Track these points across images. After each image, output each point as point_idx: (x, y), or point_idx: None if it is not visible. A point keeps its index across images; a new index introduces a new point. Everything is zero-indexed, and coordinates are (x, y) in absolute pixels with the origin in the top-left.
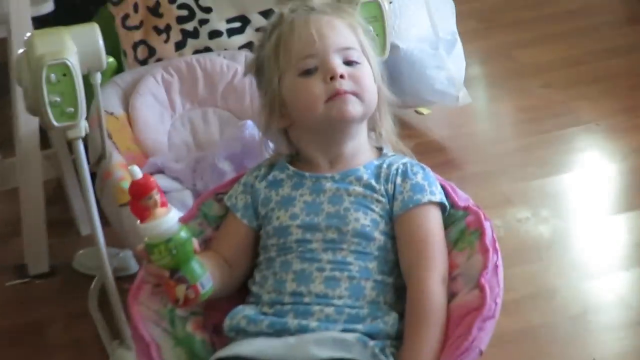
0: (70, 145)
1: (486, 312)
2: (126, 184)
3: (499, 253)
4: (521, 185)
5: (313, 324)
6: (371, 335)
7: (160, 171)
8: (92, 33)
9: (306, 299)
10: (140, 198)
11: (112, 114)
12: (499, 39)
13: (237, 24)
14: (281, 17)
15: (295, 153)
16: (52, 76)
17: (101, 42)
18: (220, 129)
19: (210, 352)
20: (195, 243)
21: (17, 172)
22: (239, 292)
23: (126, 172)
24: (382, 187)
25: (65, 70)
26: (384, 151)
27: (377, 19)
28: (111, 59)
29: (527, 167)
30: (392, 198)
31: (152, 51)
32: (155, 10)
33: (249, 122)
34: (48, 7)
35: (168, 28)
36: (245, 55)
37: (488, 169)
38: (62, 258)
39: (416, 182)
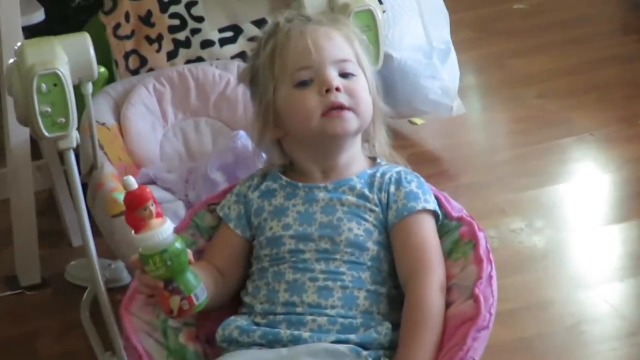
0: (61, 155)
1: (480, 322)
2: (117, 195)
3: (493, 264)
4: (515, 195)
5: (306, 334)
6: (364, 346)
7: (152, 182)
8: (83, 42)
9: (299, 309)
10: (135, 209)
11: (103, 124)
12: (493, 49)
13: (229, 34)
14: (277, 26)
15: (289, 163)
16: (43, 86)
17: (92, 51)
18: (213, 139)
19: None
20: (190, 254)
21: (8, 183)
22: (232, 302)
23: (118, 182)
24: (376, 196)
25: (56, 80)
26: (378, 160)
27: (371, 28)
28: (102, 69)
29: (521, 178)
30: (386, 207)
31: (143, 61)
32: (146, 20)
33: (242, 133)
34: (39, 16)
35: (160, 37)
36: (237, 65)
37: (482, 179)
38: (54, 269)
39: (410, 190)
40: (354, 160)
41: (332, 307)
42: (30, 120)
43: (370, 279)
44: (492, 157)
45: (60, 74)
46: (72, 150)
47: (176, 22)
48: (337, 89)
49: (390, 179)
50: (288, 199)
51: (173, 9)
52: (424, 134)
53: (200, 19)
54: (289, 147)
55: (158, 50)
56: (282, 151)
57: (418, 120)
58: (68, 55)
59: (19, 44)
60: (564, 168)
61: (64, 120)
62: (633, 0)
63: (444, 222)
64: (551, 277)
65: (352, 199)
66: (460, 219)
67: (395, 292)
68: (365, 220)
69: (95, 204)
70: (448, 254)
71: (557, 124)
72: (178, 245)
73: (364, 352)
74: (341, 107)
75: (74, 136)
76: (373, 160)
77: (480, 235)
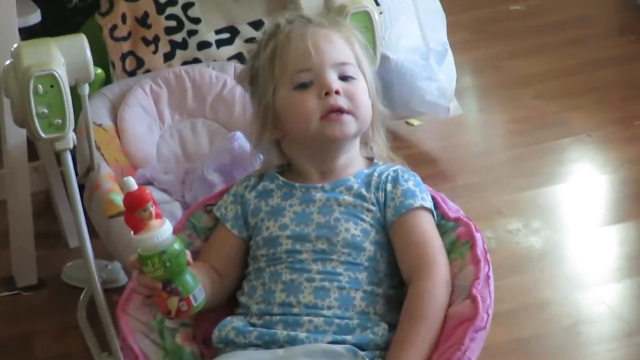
0: (58, 157)
1: (478, 322)
2: (114, 196)
3: (490, 264)
4: (512, 196)
5: (302, 335)
6: (360, 347)
7: (149, 183)
8: (79, 44)
9: (295, 310)
10: (135, 210)
11: (100, 125)
12: (490, 50)
13: (226, 35)
14: (278, 27)
15: (287, 164)
16: (40, 87)
17: (89, 53)
18: (210, 140)
19: None
20: (188, 255)
21: (5, 184)
22: (228, 303)
23: (114, 184)
24: (373, 196)
25: (52, 82)
26: (375, 160)
27: (368, 30)
28: (99, 70)
29: (518, 179)
30: (383, 206)
31: (140, 62)
32: (143, 21)
33: (238, 134)
34: (35, 18)
35: (156, 39)
36: (234, 66)
37: (479, 180)
38: (51, 270)
39: (407, 188)
40: (352, 162)
41: (329, 307)
42: (26, 121)
43: (367, 279)
44: (489, 158)
45: (56, 75)
46: (68, 152)
47: (173, 23)
48: (337, 92)
49: (387, 177)
50: (285, 199)
51: (170, 10)
52: (420, 135)
53: (197, 21)
54: (287, 148)
55: (155, 52)
56: (280, 152)
57: (415, 122)
58: (65, 56)
59: (15, 45)
60: (561, 169)
61: (60, 121)
62: (630, 1)
63: (441, 223)
64: (548, 277)
65: (349, 198)
66: (457, 220)
67: (391, 293)
68: (363, 220)
69: (92, 205)
70: None
71: (555, 125)
72: (177, 246)
73: (361, 352)
74: (340, 111)
75: (71, 137)
76: (370, 160)
77: (478, 236)
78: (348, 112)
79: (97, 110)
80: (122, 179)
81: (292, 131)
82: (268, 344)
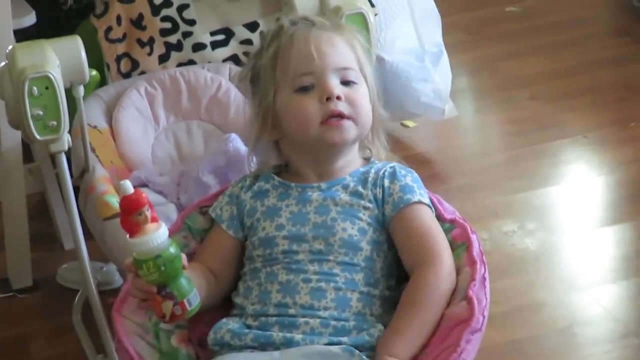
0: (53, 158)
1: (474, 324)
2: (109, 198)
3: (486, 266)
4: (508, 198)
5: (298, 336)
6: (357, 348)
7: (144, 185)
8: (74, 46)
9: (291, 311)
10: (130, 213)
11: (95, 127)
12: (485, 51)
13: (221, 37)
14: (281, 28)
15: (285, 164)
16: (35, 89)
17: (84, 54)
18: (205, 142)
19: None
20: (184, 259)
21: (0, 186)
22: (224, 304)
23: (109, 185)
24: (370, 192)
25: (47, 84)
26: (372, 160)
27: (363, 31)
28: (94, 72)
29: (513, 180)
30: (381, 202)
31: (135, 64)
32: (138, 23)
33: (234, 135)
34: (30, 19)
35: (151, 41)
36: (229, 68)
37: (474, 181)
38: (46, 272)
39: (405, 184)
40: (350, 164)
41: (325, 308)
42: (21, 123)
43: (363, 280)
44: (485, 160)
45: (51, 77)
46: (63, 154)
47: (168, 25)
48: (338, 98)
49: (384, 173)
50: (281, 200)
51: (165, 12)
52: (415, 137)
53: (192, 22)
54: (286, 149)
55: (150, 54)
56: (278, 152)
57: (410, 123)
58: (59, 58)
59: (10, 47)
60: (556, 170)
61: (55, 123)
62: (626, 3)
63: None
64: (543, 279)
65: (345, 197)
66: (453, 222)
67: (388, 294)
68: (360, 219)
69: (86, 207)
70: None
71: (550, 126)
72: (172, 250)
73: (357, 352)
74: (341, 116)
75: (66, 139)
76: (367, 159)
77: (473, 237)
78: (348, 118)
79: (92, 112)
80: (119, 182)
81: (291, 134)
82: (264, 346)
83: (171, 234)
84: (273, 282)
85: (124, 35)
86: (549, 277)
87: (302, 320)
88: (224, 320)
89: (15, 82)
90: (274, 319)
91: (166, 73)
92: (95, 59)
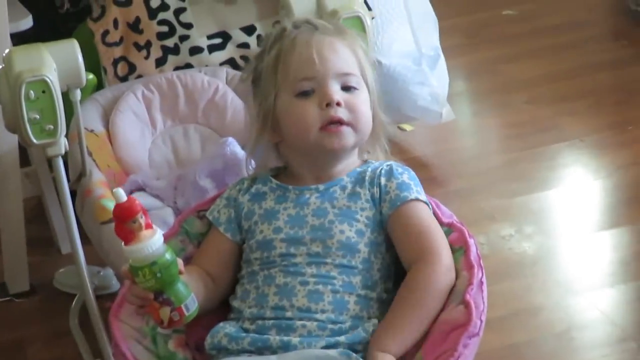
0: (50, 162)
1: (472, 329)
2: (106, 202)
3: (484, 270)
4: (505, 201)
5: (295, 340)
6: (353, 345)
7: (141, 188)
8: (71, 49)
9: (288, 314)
10: (124, 221)
11: (92, 131)
12: (483, 54)
13: (217, 40)
14: (284, 31)
15: (283, 167)
16: (31, 93)
17: (80, 58)
18: (202, 145)
19: None
20: (180, 264)
21: None
22: (222, 308)
23: (106, 189)
24: (368, 192)
25: (44, 87)
26: (369, 160)
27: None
28: (91, 76)
29: (511, 184)
30: (378, 201)
31: (132, 68)
32: (135, 27)
33: (231, 139)
34: (27, 23)
35: (148, 44)
36: (226, 72)
37: (472, 185)
38: (43, 276)
39: (402, 181)
40: (348, 165)
41: (322, 311)
42: (18, 127)
43: (361, 283)
44: (482, 163)
45: (48, 80)
46: (60, 158)
47: (165, 28)
48: (338, 104)
49: (381, 171)
50: (279, 202)
51: (162, 15)
52: (413, 141)
53: (188, 26)
54: (285, 152)
55: (147, 57)
56: (278, 154)
57: (407, 127)
58: (56, 62)
59: (6, 50)
60: (554, 174)
61: (52, 127)
62: (624, 6)
63: None
64: (541, 283)
65: (343, 199)
66: (450, 225)
67: (385, 297)
68: (357, 220)
69: (83, 211)
70: None
71: (548, 129)
72: (168, 256)
73: (354, 355)
74: (340, 122)
75: (63, 143)
76: (365, 160)
77: (471, 241)
78: (347, 124)
79: (89, 116)
80: (113, 190)
81: (290, 138)
82: (261, 349)
83: (168, 238)
84: (270, 285)
85: (121, 39)
86: (546, 281)
87: (299, 323)
88: (221, 324)
89: (12, 85)
90: (271, 322)
91: (163, 77)
92: (92, 63)
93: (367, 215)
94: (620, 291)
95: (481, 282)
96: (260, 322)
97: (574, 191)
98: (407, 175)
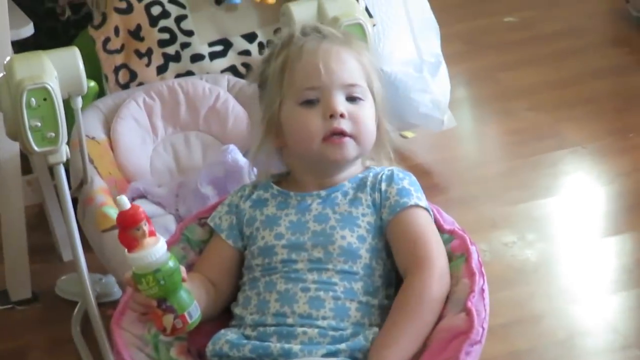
0: (51, 170)
1: (473, 336)
2: (108, 209)
3: (485, 277)
4: (507, 209)
5: (296, 347)
6: (354, 353)
7: (143, 196)
8: (72, 57)
9: (289, 320)
10: (128, 228)
11: (93, 138)
12: (484, 61)
13: (219, 48)
14: (292, 38)
15: (285, 174)
16: (33, 100)
17: (81, 65)
18: (203, 153)
19: None
20: (183, 272)
21: None
22: (224, 315)
23: (108, 197)
24: (369, 197)
25: (45, 95)
26: (371, 166)
27: None
28: (92, 83)
29: (512, 191)
30: (379, 206)
31: (133, 75)
32: (136, 34)
33: (232, 147)
34: (28, 30)
35: (149, 52)
36: (227, 79)
37: (473, 192)
38: (45, 284)
39: (402, 187)
40: (350, 173)
41: (324, 318)
42: (19, 134)
43: (362, 289)
44: (483, 170)
45: (49, 88)
46: (62, 165)
47: (166, 36)
48: (342, 115)
49: (381, 177)
50: (280, 209)
51: (163, 23)
52: (414, 148)
53: (190, 33)
54: (288, 158)
55: (148, 65)
56: (281, 159)
57: (409, 134)
58: (57, 69)
59: (8, 58)
60: (555, 181)
61: (53, 134)
62: (624, 12)
63: None
64: (543, 290)
65: (344, 205)
66: (452, 232)
67: (387, 303)
68: (358, 226)
69: (85, 218)
70: None
71: (549, 136)
72: (171, 264)
73: None
74: (343, 134)
75: (64, 150)
76: (367, 167)
77: (472, 248)
78: (350, 136)
79: (90, 123)
80: (116, 198)
81: (293, 145)
82: (262, 357)
83: (170, 245)
84: (271, 291)
85: (122, 46)
86: (548, 288)
87: (300, 330)
88: (223, 331)
89: (13, 93)
90: (272, 328)
91: (164, 84)
92: (93, 70)
93: (368, 220)
94: (622, 298)
95: (482, 290)
96: (261, 328)
97: (576, 198)
98: (407, 181)
